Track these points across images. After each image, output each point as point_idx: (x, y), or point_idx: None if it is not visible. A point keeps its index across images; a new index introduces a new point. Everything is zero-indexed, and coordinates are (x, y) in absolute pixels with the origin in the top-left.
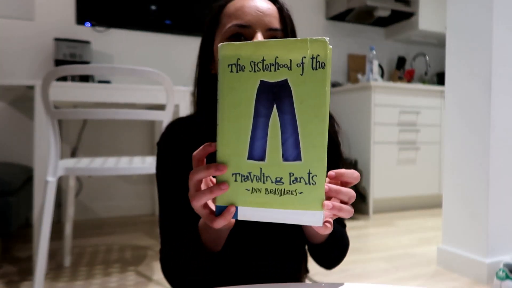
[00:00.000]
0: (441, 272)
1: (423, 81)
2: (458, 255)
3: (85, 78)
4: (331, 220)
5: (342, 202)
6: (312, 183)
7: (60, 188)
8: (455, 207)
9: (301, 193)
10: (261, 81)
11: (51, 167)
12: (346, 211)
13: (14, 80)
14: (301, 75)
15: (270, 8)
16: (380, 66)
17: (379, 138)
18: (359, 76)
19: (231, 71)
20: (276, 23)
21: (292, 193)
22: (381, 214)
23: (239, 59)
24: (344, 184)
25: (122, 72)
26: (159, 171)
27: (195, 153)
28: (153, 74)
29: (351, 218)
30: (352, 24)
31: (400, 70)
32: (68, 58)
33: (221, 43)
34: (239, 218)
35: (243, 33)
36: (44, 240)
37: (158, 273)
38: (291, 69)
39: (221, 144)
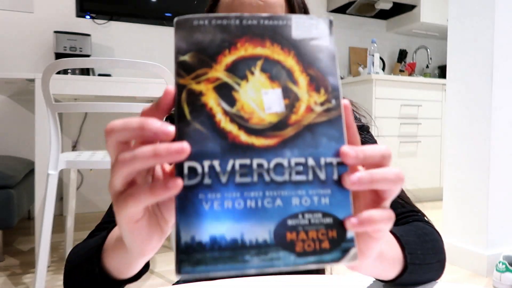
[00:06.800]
0: None
1: (424, 74)
2: (458, 248)
3: (85, 71)
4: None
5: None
6: None
7: (61, 181)
8: (455, 200)
9: None
10: None
11: (52, 160)
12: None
13: (14, 73)
14: None
15: None
16: (381, 59)
17: (380, 131)
18: (360, 69)
19: None
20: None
21: None
22: None
23: None
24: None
25: (122, 65)
26: None
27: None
28: (153, 67)
29: None
30: (354, 17)
31: (402, 63)
32: (68, 51)
33: None
34: None
35: None
36: (46, 233)
37: (159, 265)
38: None
39: None
